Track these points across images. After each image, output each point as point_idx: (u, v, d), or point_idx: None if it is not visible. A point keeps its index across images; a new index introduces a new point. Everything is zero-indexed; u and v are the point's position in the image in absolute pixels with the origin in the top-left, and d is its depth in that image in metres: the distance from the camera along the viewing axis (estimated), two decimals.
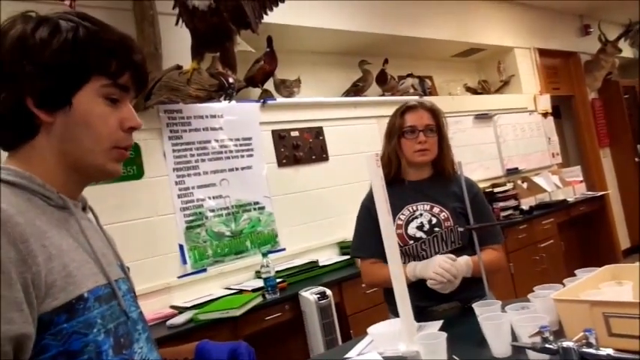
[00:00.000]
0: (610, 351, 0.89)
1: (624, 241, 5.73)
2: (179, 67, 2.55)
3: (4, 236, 0.64)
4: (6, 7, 1.90)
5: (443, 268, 1.52)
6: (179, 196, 2.74)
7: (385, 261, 1.43)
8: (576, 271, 1.38)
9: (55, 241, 0.72)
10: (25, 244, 0.66)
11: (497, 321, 1.19)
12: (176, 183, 2.75)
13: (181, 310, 2.47)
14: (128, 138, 0.83)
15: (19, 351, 0.64)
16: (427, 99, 3.44)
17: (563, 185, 4.78)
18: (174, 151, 2.76)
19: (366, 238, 1.75)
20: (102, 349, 0.72)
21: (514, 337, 1.17)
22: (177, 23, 2.46)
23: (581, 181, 5.01)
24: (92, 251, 0.78)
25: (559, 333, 1.14)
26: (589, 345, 0.92)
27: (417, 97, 2.80)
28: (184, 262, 2.70)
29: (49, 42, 0.74)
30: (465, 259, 1.59)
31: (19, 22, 0.76)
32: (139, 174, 2.63)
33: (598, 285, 1.20)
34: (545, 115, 5.15)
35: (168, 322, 2.29)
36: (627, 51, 6.25)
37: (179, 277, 2.67)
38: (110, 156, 0.81)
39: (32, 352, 0.66)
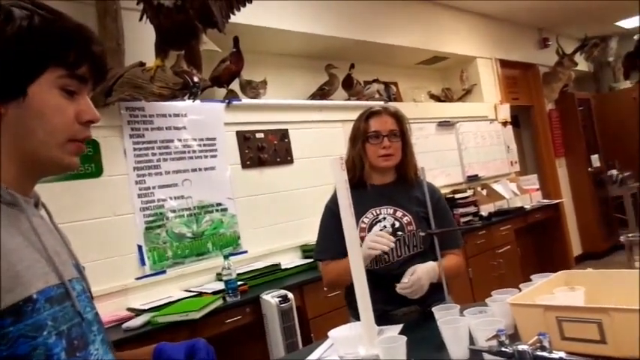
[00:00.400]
0: (562, 354, 0.92)
1: (577, 248, 5.97)
2: (142, 64, 2.49)
3: None
4: None
5: (373, 240, 1.55)
6: (139, 196, 2.68)
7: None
8: (532, 277, 1.42)
9: (1, 240, 0.68)
10: None
11: (456, 325, 1.21)
12: (136, 182, 2.68)
13: (138, 312, 2.40)
14: (85, 130, 0.80)
15: None
16: (392, 105, 3.47)
17: (520, 193, 4.93)
18: (135, 149, 2.69)
19: (330, 240, 1.75)
20: (53, 352, 0.69)
21: (472, 341, 1.19)
22: (141, 19, 2.40)
23: (538, 189, 5.19)
24: (44, 249, 0.74)
25: (515, 336, 1.17)
26: (543, 348, 0.94)
27: (382, 103, 2.83)
28: (143, 263, 2.64)
29: (2, 30, 0.71)
30: (431, 265, 1.61)
31: None
32: (97, 172, 2.55)
33: (552, 290, 1.24)
34: (504, 124, 5.30)
35: (125, 325, 2.23)
36: (583, 64, 6.53)
37: (137, 279, 2.60)
38: (66, 149, 0.78)
39: None
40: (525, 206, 4.71)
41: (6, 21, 0.72)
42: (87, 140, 0.81)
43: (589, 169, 6.17)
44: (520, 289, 1.32)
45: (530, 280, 1.41)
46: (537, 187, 5.21)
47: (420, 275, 1.56)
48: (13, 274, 0.67)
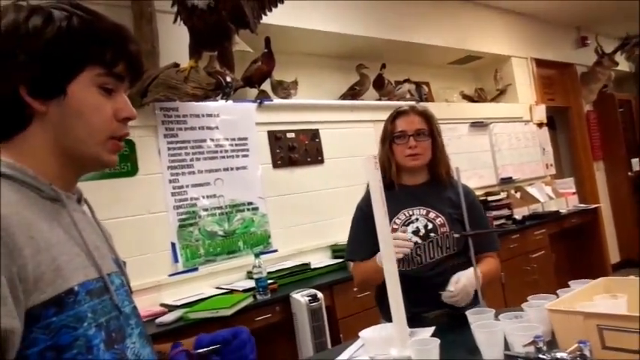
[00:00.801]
0: None
1: (614, 255, 5.76)
2: (176, 65, 2.53)
3: None
4: None
5: (397, 245, 1.50)
6: (173, 194, 2.72)
7: None
8: (570, 282, 1.38)
9: (44, 234, 0.70)
10: (11, 237, 0.65)
11: (491, 329, 1.19)
12: (170, 181, 2.73)
13: (171, 308, 2.45)
14: (123, 128, 0.81)
15: (4, 345, 0.62)
16: (423, 105, 3.44)
17: (555, 196, 4.81)
18: (169, 149, 2.74)
19: (361, 241, 1.74)
20: (92, 343, 0.70)
21: (507, 347, 1.16)
22: (175, 21, 2.44)
23: (574, 193, 5.04)
24: (84, 244, 0.76)
25: (552, 344, 1.14)
26: (583, 357, 0.91)
27: (412, 102, 2.80)
28: (176, 260, 2.68)
29: (43, 31, 0.73)
30: (472, 271, 1.57)
31: (10, 11, 0.75)
32: (133, 171, 2.61)
33: (592, 297, 1.20)
34: (540, 125, 5.18)
35: (158, 320, 2.27)
36: (623, 64, 6.29)
37: (170, 276, 2.65)
38: (105, 146, 0.80)
39: (20, 346, 0.65)
40: (561, 210, 4.58)
41: (46, 22, 0.74)
42: (124, 138, 0.83)
43: (629, 173, 5.96)
44: (558, 295, 1.28)
45: (565, 287, 1.37)
46: (574, 190, 5.06)
47: (465, 283, 1.54)
48: (55, 267, 0.69)
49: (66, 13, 0.75)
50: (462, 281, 1.54)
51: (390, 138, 1.76)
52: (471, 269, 1.58)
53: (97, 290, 0.75)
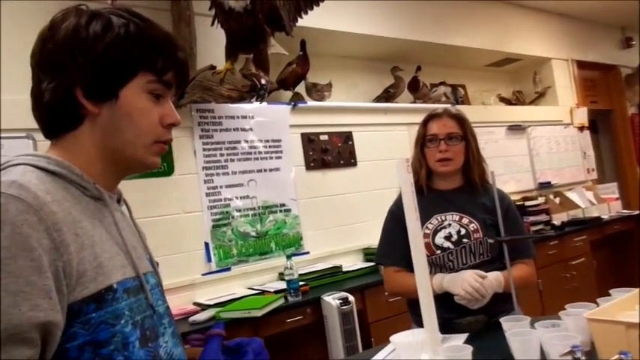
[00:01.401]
0: None
1: None
2: (213, 67, 2.58)
3: (39, 223, 0.65)
4: (48, 5, 1.96)
5: (472, 286, 1.49)
6: (207, 195, 2.77)
7: (409, 270, 1.39)
8: (611, 291, 1.32)
9: (88, 231, 0.73)
10: (59, 232, 0.67)
11: (526, 337, 1.15)
12: (205, 181, 2.77)
13: (204, 307, 2.48)
14: (168, 133, 0.84)
15: (47, 338, 0.65)
16: (459, 108, 3.39)
17: (597, 202, 4.64)
18: (204, 149, 2.79)
19: (392, 245, 1.72)
20: (129, 340, 0.72)
21: (542, 356, 1.13)
22: (212, 24, 2.48)
23: (617, 199, 4.85)
24: (123, 243, 0.79)
25: (591, 354, 1.10)
26: None
27: (447, 106, 2.76)
28: (209, 260, 2.72)
29: (102, 36, 0.77)
30: (495, 275, 1.55)
31: (72, 15, 0.78)
32: (169, 171, 2.66)
33: (634, 306, 1.15)
34: (581, 128, 5.01)
35: (191, 319, 2.31)
36: None
37: (203, 275, 2.69)
38: (151, 150, 0.83)
39: (60, 340, 0.67)
40: (603, 216, 4.41)
41: (106, 28, 0.77)
42: (168, 143, 0.86)
43: None
44: (598, 304, 1.23)
45: (608, 295, 1.31)
46: (617, 196, 4.87)
47: (475, 286, 1.50)
48: (97, 264, 0.71)
49: (124, 20, 0.79)
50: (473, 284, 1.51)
51: (421, 141, 1.75)
52: (493, 273, 1.55)
53: (133, 289, 0.77)
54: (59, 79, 0.76)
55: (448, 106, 2.88)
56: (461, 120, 1.75)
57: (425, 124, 1.76)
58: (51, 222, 0.67)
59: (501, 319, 1.32)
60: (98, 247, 0.73)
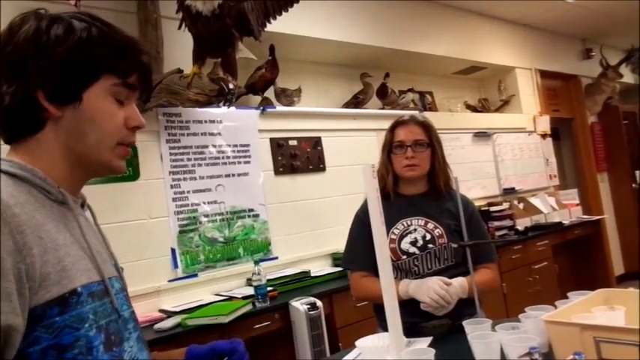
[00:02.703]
0: None
1: (618, 268, 5.72)
2: (180, 71, 2.55)
3: (3, 226, 0.65)
4: (6, 6, 1.91)
5: (438, 294, 1.51)
6: (174, 200, 2.73)
7: (376, 274, 1.41)
8: (569, 294, 1.37)
9: (51, 235, 0.72)
10: (22, 235, 0.67)
11: (487, 340, 1.18)
12: (172, 186, 2.73)
13: (170, 314, 2.44)
14: (132, 136, 0.85)
15: (6, 342, 0.63)
16: (427, 114, 3.44)
17: (559, 207, 4.78)
18: (171, 154, 2.75)
19: (358, 250, 1.74)
20: (93, 344, 0.72)
21: (503, 357, 1.15)
22: (180, 27, 2.46)
23: (578, 205, 5.01)
24: (88, 247, 0.78)
25: (549, 355, 1.13)
26: None
27: (415, 112, 2.80)
28: (176, 266, 2.68)
29: (64, 39, 0.77)
30: (459, 281, 1.58)
31: (31, 18, 0.78)
32: (134, 175, 2.61)
33: (590, 309, 1.19)
34: (544, 136, 5.17)
35: (156, 326, 2.27)
36: (628, 76, 6.29)
37: (169, 281, 2.65)
38: (115, 152, 0.83)
39: (22, 344, 0.66)
40: (564, 222, 4.55)
41: (68, 32, 0.77)
42: (131, 145, 0.86)
43: (633, 185, 5.93)
44: (556, 306, 1.27)
45: (567, 298, 1.35)
46: (577, 202, 5.03)
47: (440, 293, 1.53)
48: (60, 268, 0.71)
49: (85, 23, 0.79)
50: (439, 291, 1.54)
51: (389, 147, 1.77)
52: (457, 279, 1.58)
53: (98, 293, 0.76)
54: (19, 82, 0.76)
55: (415, 113, 2.92)
56: (427, 127, 1.77)
57: (392, 130, 1.79)
58: (14, 224, 0.66)
59: (464, 323, 1.35)
60: (62, 250, 0.72)
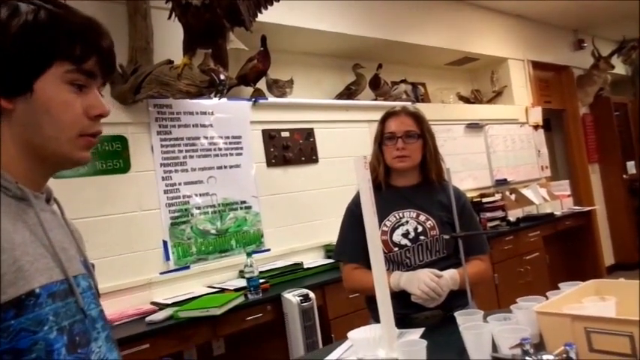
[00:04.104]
0: None
1: (609, 258, 5.77)
2: (170, 62, 2.51)
3: None
4: None
5: (429, 286, 1.51)
6: (165, 192, 2.71)
7: (367, 267, 1.40)
8: (560, 285, 1.37)
9: (7, 234, 0.68)
10: None
11: (478, 331, 1.18)
12: (163, 178, 2.71)
13: (162, 306, 2.43)
14: (95, 125, 0.79)
15: None
16: (419, 106, 3.43)
17: (550, 198, 4.81)
18: (162, 146, 2.72)
19: (350, 242, 1.73)
20: (53, 347, 0.68)
21: (494, 348, 1.16)
22: (169, 17, 2.42)
23: (569, 196, 5.04)
24: (50, 245, 0.74)
25: (540, 346, 1.13)
26: (568, 359, 0.91)
27: (408, 103, 2.78)
28: (167, 258, 2.67)
29: (6, 25, 0.71)
30: (450, 274, 1.58)
31: None
32: (125, 168, 2.59)
33: (581, 299, 1.19)
34: (536, 127, 5.18)
35: (148, 319, 2.25)
36: (620, 68, 6.32)
37: (161, 274, 2.64)
38: (77, 144, 0.77)
39: None
40: (555, 213, 4.58)
41: (12, 16, 0.72)
42: (98, 135, 0.81)
43: (624, 176, 5.98)
44: (547, 297, 1.28)
45: (558, 289, 1.36)
46: (569, 193, 5.06)
47: (431, 285, 1.53)
48: (16, 268, 0.67)
49: (33, 6, 0.73)
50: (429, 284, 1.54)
51: (380, 139, 1.76)
52: (449, 272, 1.58)
53: (60, 293, 0.72)
54: None
55: (407, 104, 2.91)
56: (418, 118, 1.77)
57: (383, 121, 1.78)
58: None
59: (456, 314, 1.35)
60: (19, 249, 0.68)
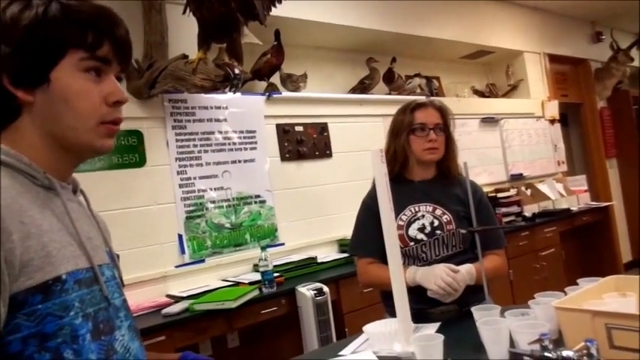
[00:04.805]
0: None
1: (626, 254, 5.68)
2: (185, 57, 2.52)
3: None
4: None
5: (445, 281, 1.50)
6: (180, 186, 2.73)
7: (383, 261, 1.40)
8: (579, 280, 1.35)
9: (36, 220, 0.70)
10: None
11: (496, 326, 1.17)
12: (178, 173, 2.73)
13: (177, 299, 2.45)
14: (114, 112, 0.80)
15: None
16: (439, 99, 3.40)
17: (567, 194, 4.75)
18: (177, 140, 2.74)
19: (365, 236, 1.73)
20: (78, 332, 0.70)
21: (512, 344, 1.15)
22: (184, 12, 2.43)
23: (586, 191, 4.97)
24: (76, 233, 0.76)
25: (558, 342, 1.12)
26: (590, 356, 0.89)
27: (424, 97, 2.77)
28: (183, 251, 2.69)
29: (19, 18, 0.72)
30: (467, 268, 1.56)
31: None
32: (140, 162, 2.61)
33: (601, 295, 1.17)
34: (552, 121, 5.11)
35: (164, 311, 2.28)
36: (639, 60, 6.19)
37: (177, 267, 2.66)
38: (98, 132, 0.78)
39: (2, 332, 0.64)
40: (572, 208, 4.52)
41: (23, 9, 0.73)
42: (119, 122, 0.81)
43: None
44: (566, 293, 1.26)
45: (576, 284, 1.34)
46: (586, 188, 4.99)
47: (448, 280, 1.52)
48: (44, 254, 0.68)
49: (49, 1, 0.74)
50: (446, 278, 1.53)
51: (407, 130, 1.72)
52: (465, 266, 1.57)
53: (86, 280, 0.74)
54: None
55: (424, 97, 2.89)
56: (444, 112, 1.75)
57: (411, 112, 1.74)
58: None
59: (472, 309, 1.34)
60: (47, 236, 0.70)
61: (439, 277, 1.51)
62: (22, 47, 0.72)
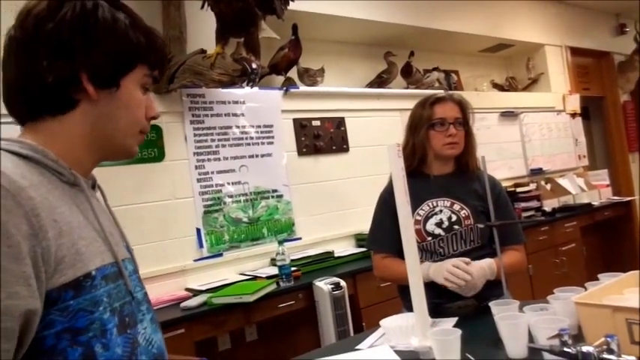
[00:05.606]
0: (632, 359, 0.85)
1: None
2: (203, 52, 2.54)
3: (18, 208, 0.64)
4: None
5: (452, 272, 1.48)
6: (198, 180, 2.75)
7: (399, 256, 1.39)
8: (599, 276, 1.34)
9: (65, 217, 0.71)
10: (37, 218, 0.66)
11: (515, 321, 1.16)
12: (196, 167, 2.75)
13: (196, 292, 2.48)
14: (148, 125, 0.88)
15: (25, 326, 0.63)
16: (459, 93, 3.37)
17: (588, 188, 4.67)
18: (195, 135, 2.77)
19: (382, 231, 1.72)
20: (107, 327, 0.71)
21: (531, 339, 1.14)
22: (202, 7, 2.44)
23: (608, 185, 4.88)
24: (101, 229, 0.78)
25: (578, 337, 1.11)
26: (610, 351, 0.88)
27: (442, 91, 2.74)
28: (201, 245, 2.72)
29: (112, 27, 0.78)
30: (488, 263, 1.55)
31: None
32: (159, 156, 2.64)
33: (622, 290, 1.16)
34: (573, 115, 5.02)
35: (182, 304, 2.31)
36: None
37: (195, 261, 2.69)
38: (137, 139, 0.86)
39: (37, 327, 0.65)
40: (593, 203, 4.44)
41: (115, 18, 0.79)
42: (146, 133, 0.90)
43: None
44: (586, 288, 1.24)
45: (597, 280, 1.32)
46: (607, 183, 4.90)
47: (472, 273, 1.50)
48: (75, 251, 0.70)
49: (123, 13, 0.81)
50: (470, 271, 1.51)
51: (427, 124, 1.70)
52: (484, 260, 1.55)
53: (112, 275, 0.76)
54: (65, 60, 0.75)
55: (442, 91, 2.86)
56: (464, 106, 1.74)
57: (431, 106, 1.73)
58: (29, 207, 0.65)
59: (490, 304, 1.33)
60: (76, 233, 0.72)
61: (445, 270, 1.50)
62: (109, 50, 0.78)
